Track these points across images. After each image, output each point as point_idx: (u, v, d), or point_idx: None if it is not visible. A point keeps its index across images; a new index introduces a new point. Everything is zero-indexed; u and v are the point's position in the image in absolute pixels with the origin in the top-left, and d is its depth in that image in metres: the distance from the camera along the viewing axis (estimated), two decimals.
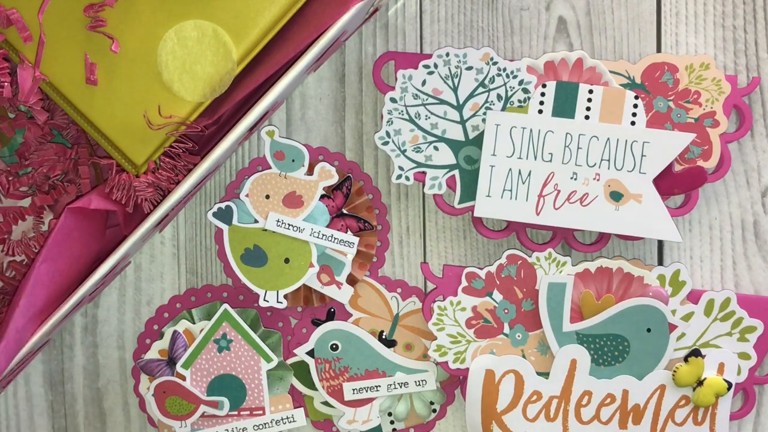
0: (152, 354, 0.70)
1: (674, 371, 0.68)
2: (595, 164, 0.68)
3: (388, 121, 0.69)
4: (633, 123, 0.68)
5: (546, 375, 0.69)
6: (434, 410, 0.72)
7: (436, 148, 0.69)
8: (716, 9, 0.70)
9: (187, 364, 0.69)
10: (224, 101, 0.61)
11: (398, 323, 0.72)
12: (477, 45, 0.70)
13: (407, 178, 0.69)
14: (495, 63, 0.68)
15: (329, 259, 0.70)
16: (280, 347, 0.71)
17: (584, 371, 0.69)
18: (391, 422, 0.72)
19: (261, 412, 0.71)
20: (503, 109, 0.68)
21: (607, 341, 0.68)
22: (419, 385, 0.71)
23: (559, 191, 0.68)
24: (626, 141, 0.67)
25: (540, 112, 0.68)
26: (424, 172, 0.69)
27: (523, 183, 0.68)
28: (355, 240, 0.69)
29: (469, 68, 0.68)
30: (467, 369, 0.69)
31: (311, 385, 0.71)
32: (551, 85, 0.68)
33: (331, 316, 0.72)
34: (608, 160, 0.67)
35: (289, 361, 0.72)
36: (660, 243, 0.71)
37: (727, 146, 0.69)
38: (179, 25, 0.60)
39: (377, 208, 0.71)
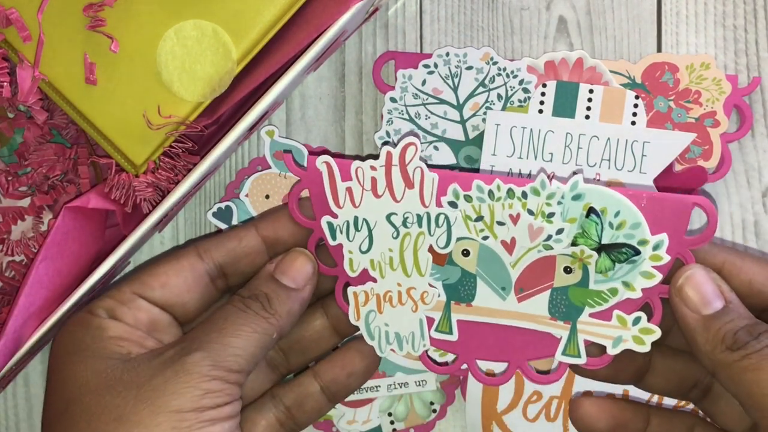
0: None
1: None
2: (596, 164, 0.67)
3: (388, 121, 0.68)
4: (633, 123, 0.68)
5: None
6: (434, 410, 0.72)
7: (436, 148, 0.69)
8: (717, 9, 0.70)
9: None
10: (224, 101, 0.61)
11: None
12: (477, 45, 0.70)
13: None
14: (495, 63, 0.68)
15: None
16: None
17: None
18: (391, 422, 0.72)
19: None
20: (503, 108, 0.68)
21: None
22: (419, 385, 0.71)
23: None
24: (626, 141, 0.67)
25: (540, 111, 0.68)
26: None
27: None
28: None
29: (469, 68, 0.68)
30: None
31: None
32: (551, 85, 0.68)
33: None
34: (608, 160, 0.67)
35: None
36: None
37: (727, 146, 0.69)
38: (179, 25, 0.60)
39: None
